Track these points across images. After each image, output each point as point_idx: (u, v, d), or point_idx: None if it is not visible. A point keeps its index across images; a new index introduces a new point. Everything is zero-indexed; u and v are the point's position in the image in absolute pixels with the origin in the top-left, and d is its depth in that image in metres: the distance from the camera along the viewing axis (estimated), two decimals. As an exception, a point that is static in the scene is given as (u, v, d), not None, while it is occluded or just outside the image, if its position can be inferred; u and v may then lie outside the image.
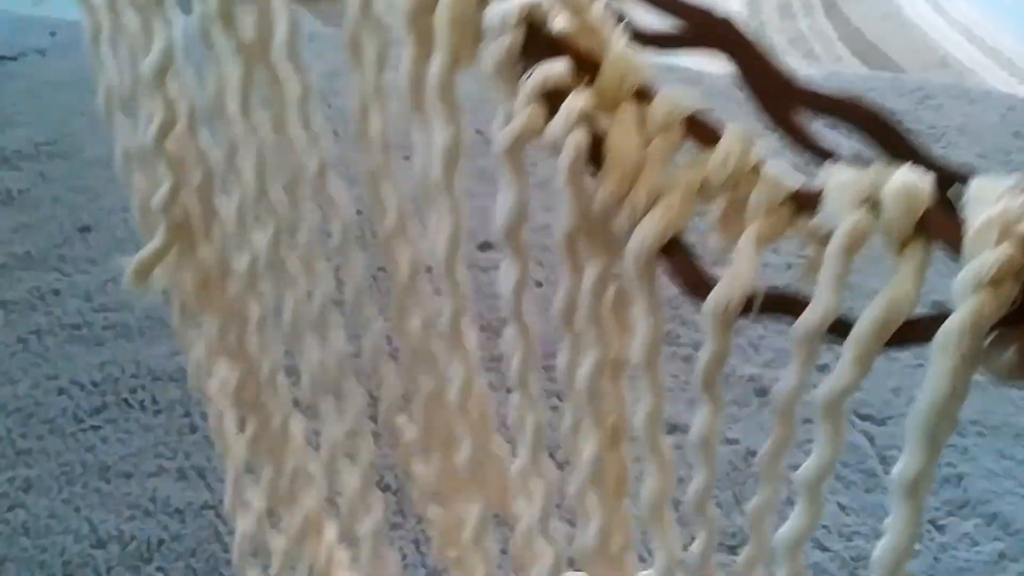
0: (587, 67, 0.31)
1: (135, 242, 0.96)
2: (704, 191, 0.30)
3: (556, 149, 0.31)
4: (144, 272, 0.44)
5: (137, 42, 0.39)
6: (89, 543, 0.66)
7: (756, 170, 0.30)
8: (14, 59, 1.20)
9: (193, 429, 0.74)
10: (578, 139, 0.31)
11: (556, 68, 0.31)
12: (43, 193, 0.97)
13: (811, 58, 1.45)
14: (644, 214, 0.31)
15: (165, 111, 0.39)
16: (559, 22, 0.31)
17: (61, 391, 0.77)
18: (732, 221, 0.30)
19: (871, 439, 0.76)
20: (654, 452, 0.34)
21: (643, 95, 0.31)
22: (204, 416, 0.75)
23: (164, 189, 0.41)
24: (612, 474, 0.37)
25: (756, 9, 1.62)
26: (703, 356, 0.31)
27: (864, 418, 0.77)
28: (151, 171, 0.42)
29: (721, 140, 0.30)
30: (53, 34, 1.28)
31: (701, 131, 0.31)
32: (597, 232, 0.33)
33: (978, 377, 0.83)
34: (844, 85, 1.32)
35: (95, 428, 0.74)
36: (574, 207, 0.32)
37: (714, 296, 0.29)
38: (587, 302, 0.33)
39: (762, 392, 0.80)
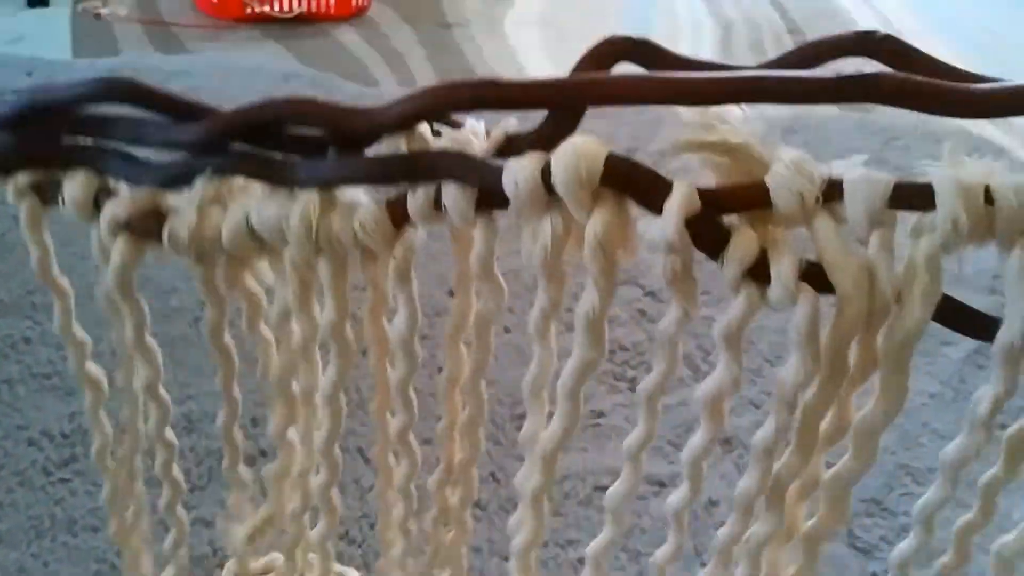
0: (758, 199, 0.30)
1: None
2: (945, 252, 0.30)
3: (782, 308, 0.31)
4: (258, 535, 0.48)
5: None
6: (56, 599, 0.67)
7: (990, 199, 0.29)
8: (-10, 100, 1.21)
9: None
10: (808, 295, 0.30)
11: (748, 251, 0.30)
12: (15, 238, 0.97)
13: (782, 96, 1.47)
14: (898, 305, 0.30)
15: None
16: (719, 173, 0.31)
17: (31, 442, 0.77)
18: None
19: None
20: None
21: (828, 195, 0.30)
22: (173, 468, 0.76)
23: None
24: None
25: (728, 44, 1.64)
26: (988, 396, 0.33)
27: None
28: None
29: (941, 205, 0.29)
30: (29, 74, 1.29)
31: (913, 198, 0.30)
32: (836, 357, 0.32)
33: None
34: (812, 125, 1.32)
35: (64, 481, 0.75)
36: (808, 362, 0.32)
37: (1002, 337, 0.31)
38: (845, 394, 0.35)
39: (727, 442, 0.81)
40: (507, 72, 1.55)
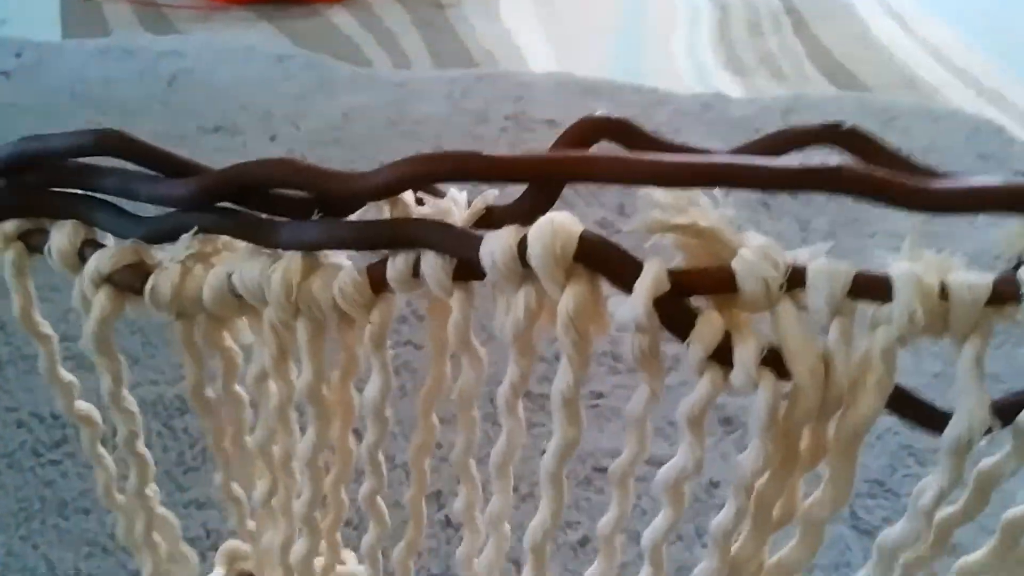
0: (725, 283, 0.31)
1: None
2: (900, 344, 0.30)
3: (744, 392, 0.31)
4: None
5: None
6: (46, 582, 0.66)
7: (946, 294, 0.30)
8: (-20, 80, 1.19)
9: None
10: (769, 382, 0.31)
11: (713, 335, 0.31)
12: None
13: (780, 77, 1.46)
14: (852, 390, 0.31)
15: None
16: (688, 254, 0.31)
17: (20, 424, 0.76)
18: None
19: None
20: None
21: (792, 282, 0.30)
22: (164, 449, 0.75)
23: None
24: None
25: (726, 26, 1.62)
26: (932, 488, 0.33)
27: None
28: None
29: (898, 300, 0.30)
30: (18, 55, 1.27)
31: (872, 290, 0.30)
32: (788, 440, 0.33)
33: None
34: (811, 106, 1.31)
35: (54, 462, 0.73)
36: (768, 448, 0.32)
37: (949, 432, 0.31)
38: (794, 479, 0.35)
39: (727, 421, 0.80)
40: (503, 54, 1.53)
